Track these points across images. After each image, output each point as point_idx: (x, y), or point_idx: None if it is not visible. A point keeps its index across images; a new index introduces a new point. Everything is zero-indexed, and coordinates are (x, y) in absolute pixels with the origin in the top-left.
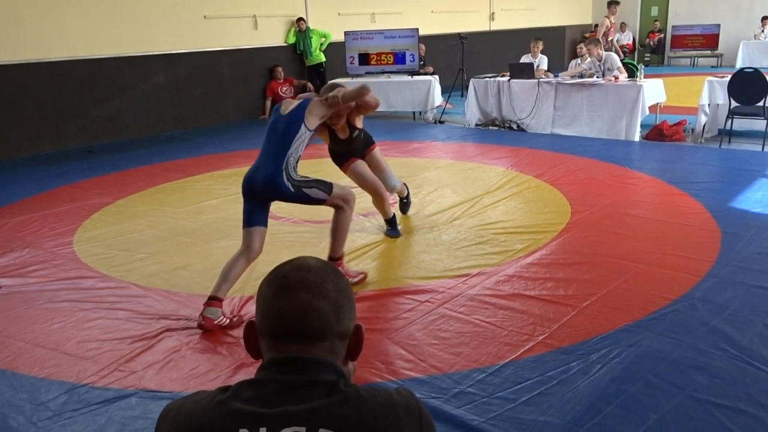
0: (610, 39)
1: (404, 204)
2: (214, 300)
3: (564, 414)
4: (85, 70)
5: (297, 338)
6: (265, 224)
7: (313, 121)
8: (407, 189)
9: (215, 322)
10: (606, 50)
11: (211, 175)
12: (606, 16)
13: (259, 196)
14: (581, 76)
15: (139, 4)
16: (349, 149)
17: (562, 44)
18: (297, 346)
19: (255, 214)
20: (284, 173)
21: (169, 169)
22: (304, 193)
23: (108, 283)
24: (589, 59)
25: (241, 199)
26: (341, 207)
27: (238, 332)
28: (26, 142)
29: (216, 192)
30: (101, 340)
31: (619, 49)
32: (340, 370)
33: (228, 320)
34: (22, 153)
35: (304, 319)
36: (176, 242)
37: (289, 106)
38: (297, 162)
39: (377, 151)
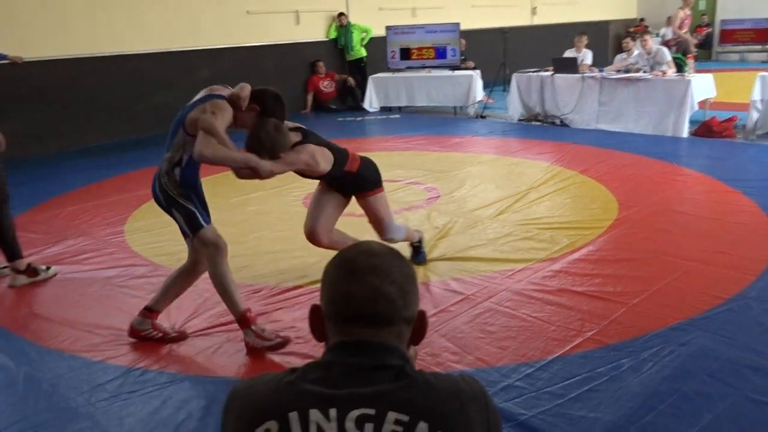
0: (684, 31)
1: (416, 251)
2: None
3: (615, 411)
4: (132, 64)
5: (366, 322)
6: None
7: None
8: (421, 237)
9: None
10: (676, 43)
11: None
12: (680, 8)
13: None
14: (627, 71)
15: (185, 0)
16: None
17: (606, 39)
18: (365, 330)
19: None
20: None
21: None
22: (173, 214)
23: (159, 271)
24: (636, 52)
25: (285, 192)
26: (198, 261)
27: (285, 320)
28: (76, 135)
29: (262, 184)
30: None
31: (691, 41)
32: (405, 355)
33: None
34: (72, 145)
35: (373, 304)
36: (224, 233)
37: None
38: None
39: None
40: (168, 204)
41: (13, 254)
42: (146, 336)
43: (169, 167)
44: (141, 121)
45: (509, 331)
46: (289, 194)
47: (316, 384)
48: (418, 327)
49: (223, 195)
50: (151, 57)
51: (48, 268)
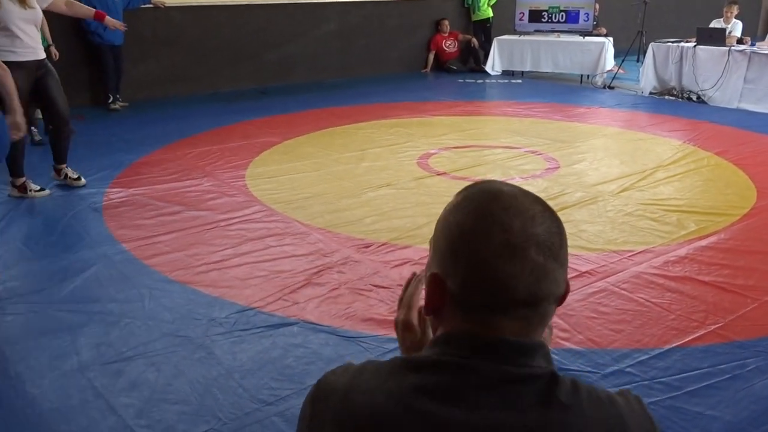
0: None
1: None
2: None
3: (736, 412)
4: (263, 14)
5: (520, 313)
6: None
7: None
8: None
9: None
10: None
11: (373, 123)
12: None
13: None
14: None
15: None
16: None
17: (758, 9)
18: (516, 323)
19: None
20: None
21: (334, 114)
22: None
23: (275, 217)
24: None
25: (399, 150)
26: None
27: (393, 278)
28: (206, 81)
29: (378, 140)
30: (267, 270)
31: None
32: (548, 353)
33: None
34: (202, 90)
35: (536, 289)
36: (338, 186)
37: None
38: None
39: None
40: None
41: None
42: None
43: None
44: (267, 70)
45: (624, 314)
46: (405, 152)
47: (441, 402)
48: (562, 300)
49: (341, 148)
50: (282, 8)
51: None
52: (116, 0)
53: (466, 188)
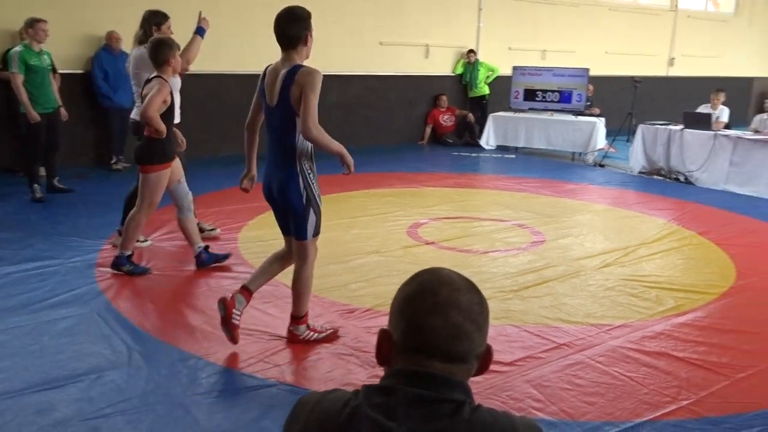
0: None
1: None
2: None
3: None
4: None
5: (441, 358)
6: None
7: None
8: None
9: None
10: None
11: (367, 192)
12: None
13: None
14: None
15: (321, 28)
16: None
17: (747, 96)
18: (440, 365)
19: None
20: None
21: (329, 182)
22: (306, 214)
23: None
24: None
25: (390, 218)
26: (308, 258)
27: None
28: (209, 144)
29: (370, 208)
30: (252, 331)
31: None
32: (468, 390)
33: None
34: (206, 153)
35: (454, 342)
36: (327, 251)
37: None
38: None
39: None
40: (307, 204)
41: (123, 220)
42: (304, 339)
43: (310, 164)
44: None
45: (598, 387)
46: (396, 221)
47: (377, 411)
48: (485, 361)
49: (332, 215)
50: None
51: (145, 240)
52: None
53: (418, 272)
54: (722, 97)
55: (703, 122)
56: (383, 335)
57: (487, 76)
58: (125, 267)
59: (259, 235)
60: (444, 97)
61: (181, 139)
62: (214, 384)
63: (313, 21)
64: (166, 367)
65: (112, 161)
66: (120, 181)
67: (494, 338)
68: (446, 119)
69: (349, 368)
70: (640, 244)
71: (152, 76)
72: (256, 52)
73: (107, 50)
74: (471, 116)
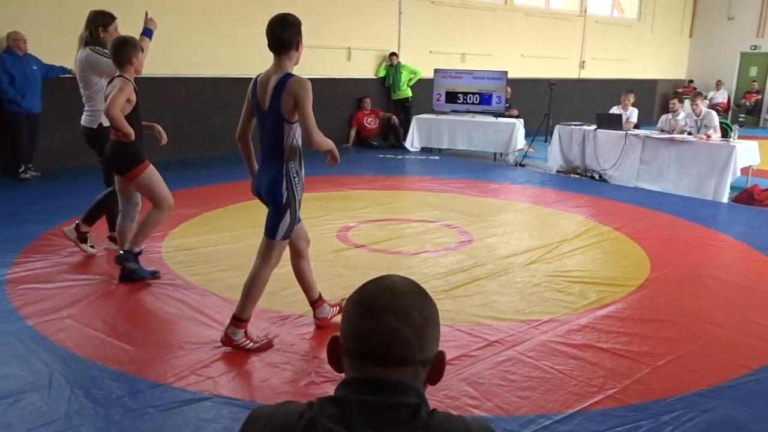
0: None
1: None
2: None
3: None
4: (184, 87)
5: (378, 362)
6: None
7: None
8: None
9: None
10: None
11: None
12: None
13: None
14: (671, 132)
15: (240, 30)
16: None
17: (653, 97)
18: (380, 369)
19: None
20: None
21: (247, 188)
22: (284, 213)
23: (191, 290)
24: (682, 114)
25: (319, 222)
26: (271, 260)
27: (311, 349)
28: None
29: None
30: (182, 344)
31: None
32: (421, 394)
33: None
34: None
35: (388, 345)
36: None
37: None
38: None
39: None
40: (286, 204)
41: (113, 225)
42: (239, 346)
43: (298, 167)
44: (188, 142)
45: (530, 381)
46: (324, 225)
47: (333, 422)
48: (437, 368)
49: (259, 221)
50: (203, 81)
51: (93, 246)
52: (35, 69)
53: (370, 279)
54: (632, 98)
55: (615, 123)
56: (331, 342)
57: (410, 79)
58: (130, 263)
59: (182, 244)
60: (368, 100)
61: (159, 131)
62: (145, 400)
63: (229, 23)
64: (92, 386)
65: (20, 170)
66: (30, 190)
67: None
68: (370, 122)
69: (284, 376)
70: (561, 240)
71: (115, 75)
72: (169, 56)
73: (10, 53)
74: (395, 119)
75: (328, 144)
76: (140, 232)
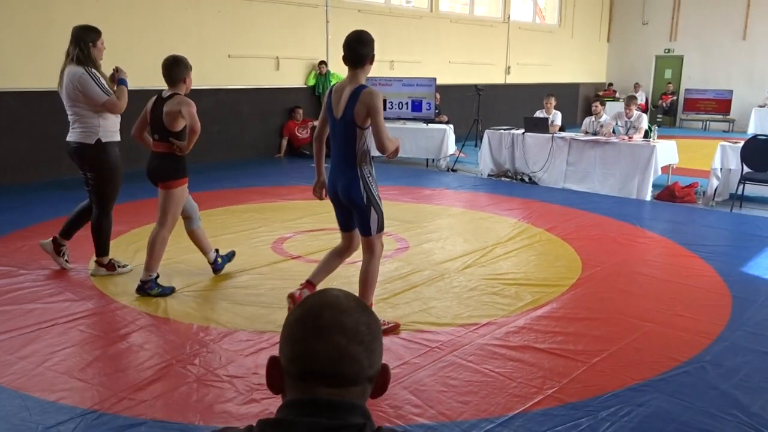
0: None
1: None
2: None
3: None
4: None
5: (329, 383)
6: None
7: None
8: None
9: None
10: None
11: (226, 209)
12: None
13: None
14: (595, 134)
15: (166, 40)
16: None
17: (576, 101)
18: (328, 390)
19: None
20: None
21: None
22: (368, 212)
23: (121, 310)
24: (604, 116)
25: (254, 234)
26: (375, 253)
27: (248, 366)
28: (45, 168)
29: (232, 226)
30: (112, 368)
31: None
32: (367, 413)
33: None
34: (42, 178)
35: (339, 365)
36: (190, 276)
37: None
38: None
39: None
40: (368, 203)
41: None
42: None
43: (369, 168)
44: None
45: (471, 386)
46: (259, 237)
47: None
48: (381, 381)
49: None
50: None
51: (125, 266)
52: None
53: (308, 295)
54: (554, 101)
55: (541, 126)
56: (271, 363)
57: None
58: (154, 291)
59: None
60: (300, 110)
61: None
62: (75, 429)
63: (156, 34)
64: (17, 417)
65: None
66: None
67: None
68: (302, 131)
69: (223, 395)
70: (496, 243)
71: (169, 93)
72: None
73: None
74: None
75: (395, 144)
76: (151, 256)
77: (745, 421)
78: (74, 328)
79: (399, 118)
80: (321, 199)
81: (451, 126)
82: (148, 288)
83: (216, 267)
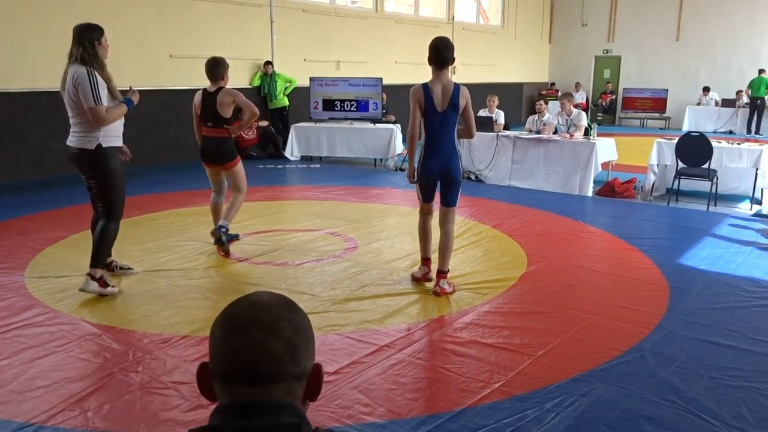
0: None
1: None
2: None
3: None
4: (45, 102)
5: (251, 381)
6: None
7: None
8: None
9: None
10: None
11: (170, 212)
12: None
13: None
14: (539, 132)
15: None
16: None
17: (520, 100)
18: (251, 389)
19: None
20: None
21: (127, 204)
22: (456, 187)
23: (59, 319)
24: (547, 115)
25: (199, 239)
26: (454, 219)
27: (194, 372)
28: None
29: (175, 230)
30: (51, 378)
31: None
32: (300, 412)
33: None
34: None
35: (257, 362)
36: (132, 280)
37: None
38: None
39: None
40: (460, 178)
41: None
42: (452, 291)
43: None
44: (51, 160)
45: (421, 383)
46: (204, 240)
47: None
48: (313, 382)
49: (134, 239)
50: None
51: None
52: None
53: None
54: (497, 100)
55: (486, 125)
56: (200, 369)
57: (285, 88)
58: (225, 232)
59: (46, 271)
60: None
61: (125, 150)
62: None
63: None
64: None
65: None
66: None
67: (318, 348)
68: (248, 132)
69: (169, 402)
70: None
71: (214, 88)
72: (25, 69)
73: None
74: (272, 128)
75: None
76: (231, 210)
77: (683, 406)
78: (10, 339)
79: (346, 119)
80: (415, 183)
81: (399, 125)
82: (223, 229)
83: (219, 233)
